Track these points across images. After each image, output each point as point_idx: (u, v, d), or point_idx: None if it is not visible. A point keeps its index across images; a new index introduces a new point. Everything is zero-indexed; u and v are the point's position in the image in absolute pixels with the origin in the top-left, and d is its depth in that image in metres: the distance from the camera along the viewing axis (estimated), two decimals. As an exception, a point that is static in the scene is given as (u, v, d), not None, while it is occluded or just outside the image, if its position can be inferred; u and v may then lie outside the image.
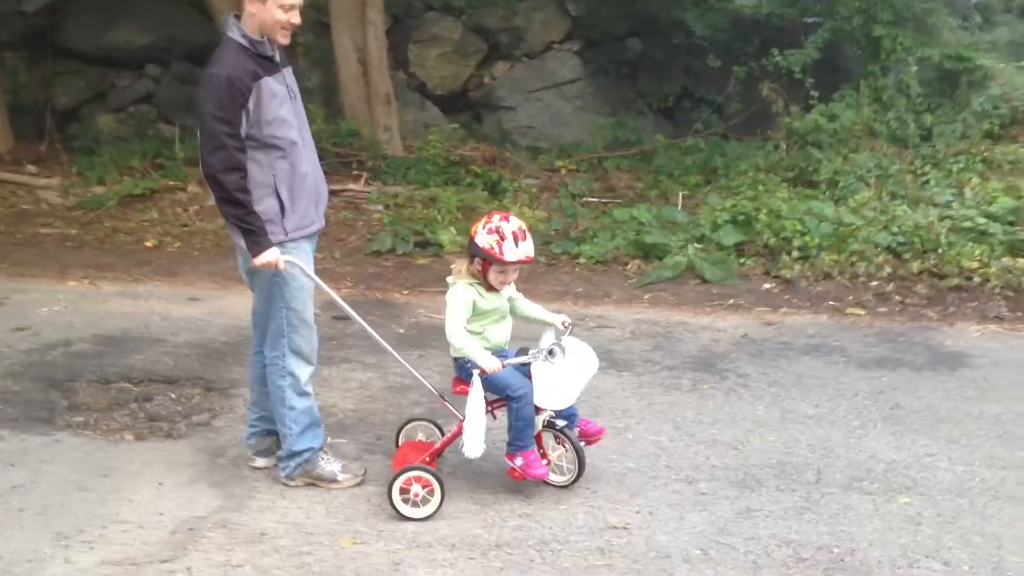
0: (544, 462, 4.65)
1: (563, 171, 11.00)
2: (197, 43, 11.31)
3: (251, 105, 4.44)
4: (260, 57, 4.51)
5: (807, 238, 8.36)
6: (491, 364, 4.53)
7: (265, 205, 4.51)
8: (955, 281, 7.73)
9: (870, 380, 6.15)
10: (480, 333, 4.67)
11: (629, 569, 4.08)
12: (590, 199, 10.18)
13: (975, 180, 9.32)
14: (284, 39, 4.56)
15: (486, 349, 4.61)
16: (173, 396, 5.98)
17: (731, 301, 7.67)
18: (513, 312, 4.82)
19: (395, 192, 10.11)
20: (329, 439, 4.97)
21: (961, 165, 9.83)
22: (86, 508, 4.55)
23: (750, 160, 10.60)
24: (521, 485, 4.70)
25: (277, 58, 4.60)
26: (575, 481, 4.72)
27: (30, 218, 10.18)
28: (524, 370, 4.62)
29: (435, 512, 4.46)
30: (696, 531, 4.38)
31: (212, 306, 7.62)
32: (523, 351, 4.65)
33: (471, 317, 4.64)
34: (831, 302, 7.62)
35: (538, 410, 4.62)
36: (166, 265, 8.78)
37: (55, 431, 5.41)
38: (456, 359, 4.69)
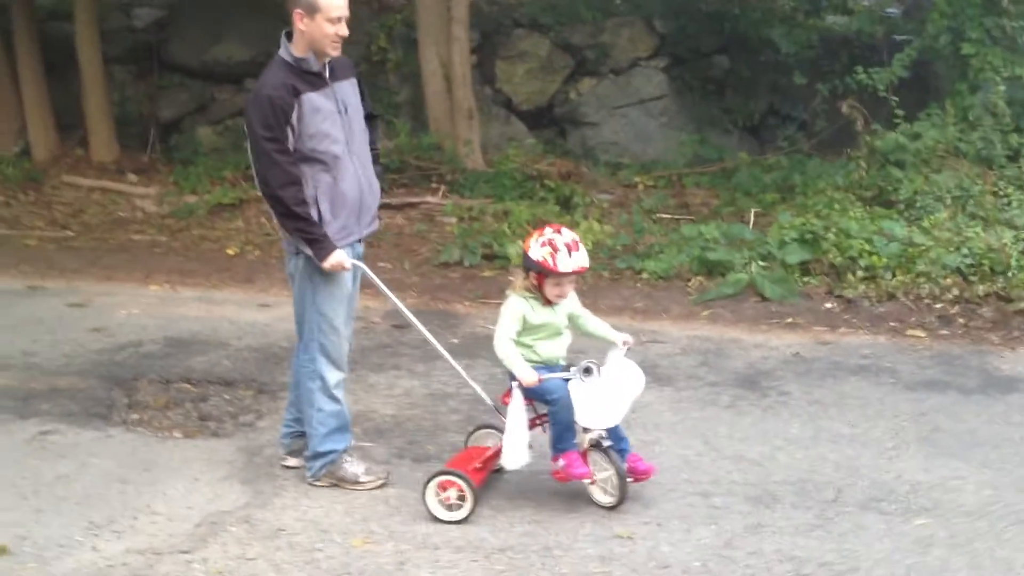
0: (588, 481, 4.70)
1: (640, 187, 11.04)
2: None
3: (295, 120, 4.63)
4: (305, 73, 4.69)
5: (874, 258, 8.26)
6: (527, 376, 4.60)
7: None
8: (1022, 305, 7.56)
9: (915, 402, 6.08)
10: (530, 347, 4.75)
11: (625, 577, 4.16)
12: (663, 215, 10.21)
13: (1058, 203, 9.09)
14: (334, 51, 4.72)
15: (535, 363, 4.69)
16: (227, 397, 6.26)
17: (789, 320, 7.64)
18: (578, 329, 4.91)
19: (470, 205, 10.30)
20: (354, 442, 5.14)
21: (1046, 186, 9.59)
22: (122, 500, 4.83)
23: (829, 178, 10.49)
24: (535, 492, 4.82)
25: (326, 73, 4.75)
26: (617, 505, 4.68)
27: (124, 225, 10.68)
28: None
29: (464, 519, 4.57)
30: (701, 544, 4.42)
31: (280, 312, 7.88)
32: (567, 368, 4.72)
33: (522, 331, 4.73)
34: (892, 323, 7.52)
35: (585, 429, 4.71)
36: (244, 272, 9.12)
37: (109, 427, 5.72)
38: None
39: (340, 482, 4.92)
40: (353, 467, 4.94)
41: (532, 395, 4.69)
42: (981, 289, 7.78)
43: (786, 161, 11.65)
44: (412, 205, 10.46)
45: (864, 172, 10.39)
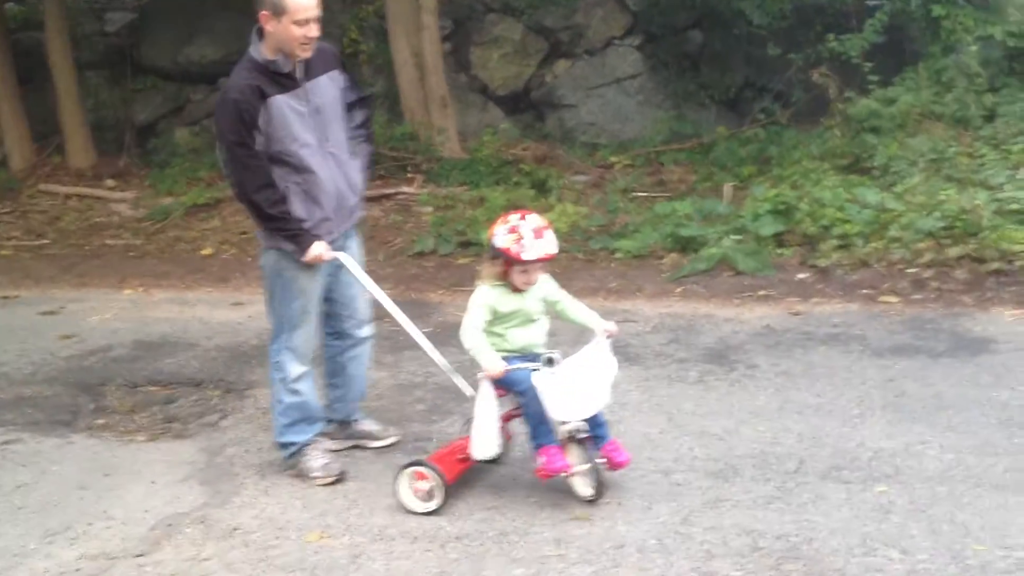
0: (566, 474, 4.59)
1: (616, 167, 10.99)
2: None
3: (262, 123, 4.53)
4: (275, 74, 4.57)
5: (847, 226, 8.21)
6: (492, 366, 4.50)
7: None
8: (995, 265, 7.50)
9: (882, 368, 6.03)
10: (502, 335, 4.67)
11: (580, 559, 4.12)
12: (639, 194, 10.16)
13: (1034, 160, 9.02)
14: (304, 52, 4.58)
15: (508, 352, 4.62)
16: (194, 398, 6.22)
17: (761, 292, 7.59)
18: (559, 316, 4.82)
19: (446, 194, 10.26)
20: (326, 432, 5.15)
21: (1022, 145, 9.51)
22: (80, 506, 4.80)
23: (805, 149, 10.44)
24: (497, 478, 4.78)
25: (297, 74, 4.63)
26: (598, 498, 4.58)
27: (100, 230, 10.65)
28: None
29: (434, 511, 4.52)
30: (658, 521, 4.39)
31: (253, 310, 7.85)
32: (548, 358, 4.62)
33: (492, 320, 4.65)
34: (864, 291, 7.47)
35: (562, 422, 4.60)
36: (218, 272, 9.10)
37: (72, 433, 5.70)
38: None
39: (301, 474, 4.91)
40: (313, 460, 4.92)
41: (502, 386, 4.59)
42: (954, 252, 7.71)
43: (763, 133, 11.61)
44: (388, 196, 10.42)
45: (839, 140, 10.34)
